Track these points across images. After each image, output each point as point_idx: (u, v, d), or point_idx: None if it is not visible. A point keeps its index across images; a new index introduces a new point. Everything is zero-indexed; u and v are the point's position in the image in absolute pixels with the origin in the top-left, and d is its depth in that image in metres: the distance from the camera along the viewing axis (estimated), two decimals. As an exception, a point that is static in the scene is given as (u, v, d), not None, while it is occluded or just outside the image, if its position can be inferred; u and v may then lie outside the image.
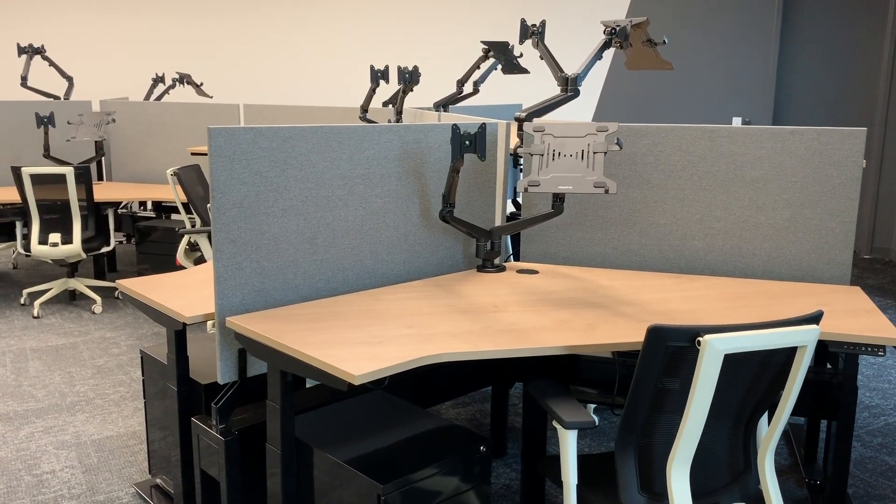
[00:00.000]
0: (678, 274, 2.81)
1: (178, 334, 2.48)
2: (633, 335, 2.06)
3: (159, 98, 6.52)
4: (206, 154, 5.32)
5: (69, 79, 6.17)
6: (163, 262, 5.33)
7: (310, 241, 2.39)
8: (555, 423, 1.93)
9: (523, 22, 3.48)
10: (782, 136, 2.69)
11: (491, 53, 4.85)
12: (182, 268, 5.13)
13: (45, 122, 5.34)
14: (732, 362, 1.72)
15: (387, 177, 2.57)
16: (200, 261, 4.70)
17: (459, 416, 3.55)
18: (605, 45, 3.29)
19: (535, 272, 2.78)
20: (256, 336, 2.04)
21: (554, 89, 3.33)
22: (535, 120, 3.16)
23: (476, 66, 5.04)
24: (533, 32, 3.45)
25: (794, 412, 2.53)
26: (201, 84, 6.21)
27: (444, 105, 5.23)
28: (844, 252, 2.68)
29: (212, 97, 6.27)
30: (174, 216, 6.10)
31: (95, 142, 5.65)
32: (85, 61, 7.92)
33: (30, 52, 6.03)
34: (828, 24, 6.98)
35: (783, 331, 1.67)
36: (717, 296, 2.48)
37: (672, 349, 1.69)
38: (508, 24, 8.08)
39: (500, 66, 5.12)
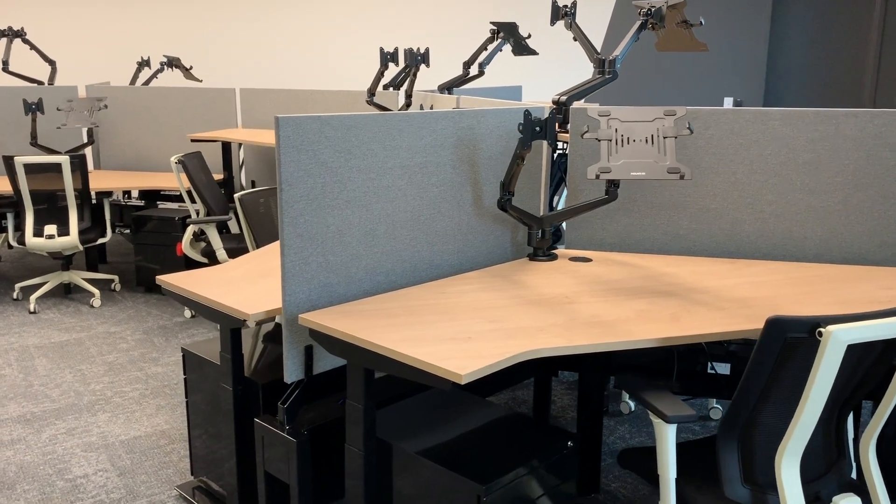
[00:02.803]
0: (733, 259, 2.79)
1: (234, 332, 2.39)
2: (721, 325, 2.02)
3: (147, 83, 6.29)
4: (207, 140, 5.16)
5: (52, 63, 5.92)
6: (158, 252, 5.17)
7: (371, 233, 2.31)
8: (653, 418, 1.89)
9: (554, 2, 3.41)
10: (836, 119, 2.67)
11: (500, 35, 4.77)
12: (187, 258, 4.98)
13: (34, 108, 5.12)
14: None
15: (442, 165, 2.50)
16: (208, 251, 4.56)
17: (493, 405, 3.51)
18: (641, 27, 3.23)
19: (588, 260, 2.73)
20: (338, 334, 1.96)
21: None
22: (577, 103, 3.10)
23: (483, 47, 4.95)
24: (565, 13, 3.38)
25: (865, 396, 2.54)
26: (190, 67, 6.00)
27: (448, 87, 5.14)
28: (897, 234, 2.68)
29: (201, 81, 6.07)
30: (161, 205, 5.91)
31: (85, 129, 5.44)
32: (61, 44, 7.62)
33: (9, 35, 5.76)
34: (817, 2, 7.03)
35: (903, 319, 1.65)
36: (783, 281, 2.47)
37: (790, 340, 1.66)
38: (506, 5, 7.98)
39: (503, 48, 5.04)
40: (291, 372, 2.15)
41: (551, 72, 7.89)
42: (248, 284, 2.48)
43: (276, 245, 3.00)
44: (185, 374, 2.70)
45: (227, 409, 2.44)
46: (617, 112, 2.36)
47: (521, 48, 4.77)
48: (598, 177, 2.25)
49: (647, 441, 3.21)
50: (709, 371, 2.91)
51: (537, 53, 4.84)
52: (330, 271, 2.21)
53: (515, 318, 2.07)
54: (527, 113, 2.31)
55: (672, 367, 2.83)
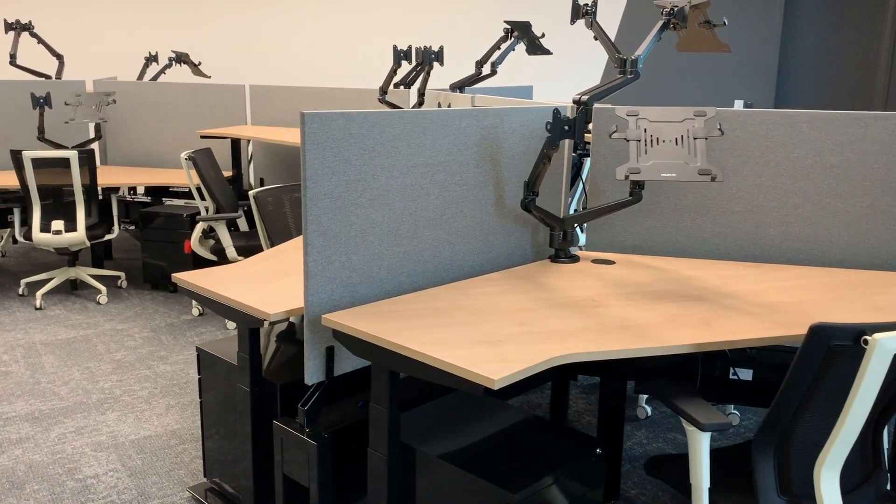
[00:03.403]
0: (757, 263, 2.74)
1: (253, 332, 2.34)
2: (755, 331, 1.97)
3: (154, 78, 6.24)
4: (216, 137, 5.11)
5: (59, 57, 5.87)
6: (166, 249, 5.12)
7: (393, 232, 2.26)
8: (686, 425, 1.85)
9: (575, 1, 3.36)
10: (865, 122, 2.63)
11: (514, 34, 4.72)
12: (195, 255, 4.93)
13: (41, 103, 5.07)
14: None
15: (465, 164, 2.45)
16: (217, 249, 4.52)
17: (508, 409, 3.46)
18: (664, 27, 3.19)
19: (611, 262, 2.69)
20: (363, 335, 1.91)
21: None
22: (598, 103, 3.05)
23: (496, 46, 4.90)
24: (586, 12, 3.33)
25: None
26: (199, 64, 5.95)
27: (460, 87, 5.09)
28: (925, 240, 2.64)
29: (210, 77, 6.02)
30: (167, 201, 5.86)
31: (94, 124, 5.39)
32: (69, 38, 7.57)
33: (17, 28, 5.71)
34: (830, 4, 6.99)
35: (949, 328, 1.60)
36: (811, 286, 2.42)
37: (833, 348, 1.61)
38: (514, 4, 7.93)
39: (516, 48, 5.00)
40: (312, 373, 2.10)
41: (558, 72, 7.85)
42: (265, 283, 2.43)
43: (291, 243, 2.96)
44: (199, 373, 2.66)
45: (244, 409, 2.39)
46: (645, 112, 2.31)
47: (536, 48, 4.72)
48: (627, 177, 2.20)
49: (665, 447, 3.17)
50: (731, 377, 2.86)
51: (551, 53, 4.80)
52: (352, 271, 2.16)
53: (544, 321, 2.02)
54: (556, 111, 2.27)
55: (695, 372, 2.78)
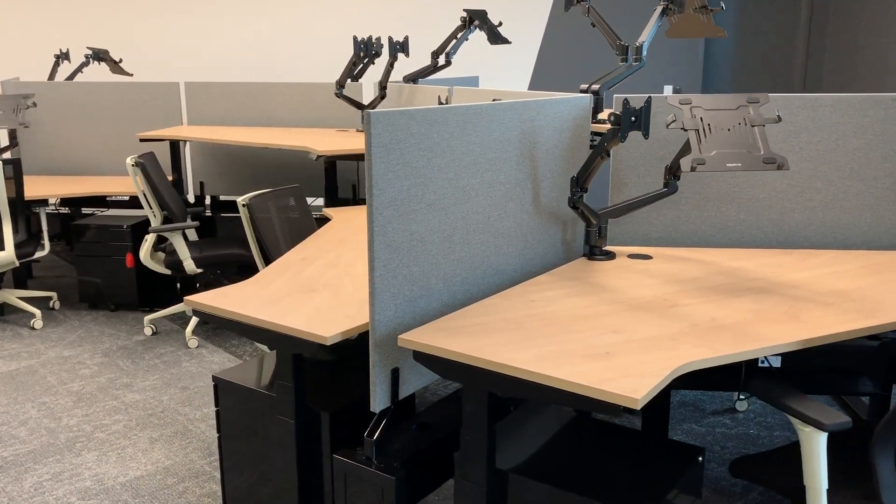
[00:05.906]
0: (784, 250, 2.72)
1: (297, 358, 2.10)
2: (849, 322, 1.92)
3: (70, 78, 5.71)
4: (158, 140, 4.71)
5: (-41, 57, 5.27)
6: (103, 264, 4.67)
7: (448, 238, 2.08)
8: (801, 426, 1.77)
9: (569, -13, 3.25)
10: (886, 104, 2.64)
11: (475, 23, 4.57)
12: (139, 270, 4.54)
13: (-51, 108, 4.52)
14: None
15: (508, 161, 2.29)
16: (172, 262, 4.16)
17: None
18: (663, 12, 3.13)
19: (648, 257, 2.60)
20: (458, 356, 1.73)
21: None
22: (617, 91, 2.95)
23: (454, 35, 4.74)
24: (582, -1, 3.22)
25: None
26: (120, 61, 5.48)
27: (414, 79, 4.90)
28: (943, 218, 2.69)
29: (132, 75, 5.56)
30: (87, 210, 5.36)
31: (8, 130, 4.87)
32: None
33: None
34: (748, -8, 7.21)
35: None
36: (858, 270, 2.41)
37: (974, 339, 1.57)
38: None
39: (470, 37, 4.87)
40: (380, 399, 1.90)
41: (511, 61, 7.75)
42: (296, 302, 2.20)
43: (293, 255, 2.71)
44: (217, 405, 2.39)
45: (287, 443, 2.15)
46: (698, 100, 2.22)
47: (496, 36, 4.60)
48: (693, 169, 2.10)
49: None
50: (760, 364, 2.84)
51: (510, 42, 4.68)
52: (413, 283, 1.97)
53: (634, 326, 1.90)
54: (625, 102, 2.14)
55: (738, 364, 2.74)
